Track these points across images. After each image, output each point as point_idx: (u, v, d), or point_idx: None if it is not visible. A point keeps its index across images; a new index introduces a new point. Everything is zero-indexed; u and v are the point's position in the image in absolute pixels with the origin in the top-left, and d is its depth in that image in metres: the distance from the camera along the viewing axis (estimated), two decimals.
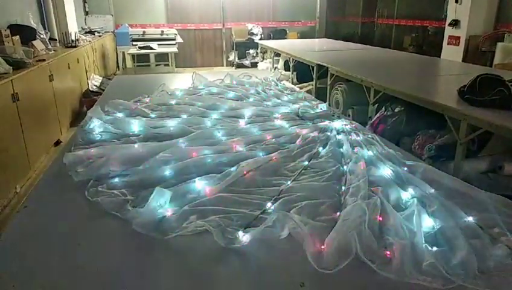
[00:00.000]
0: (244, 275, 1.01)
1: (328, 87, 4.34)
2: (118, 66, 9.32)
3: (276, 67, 6.47)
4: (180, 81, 3.27)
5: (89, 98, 5.70)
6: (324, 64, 4.39)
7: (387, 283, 0.97)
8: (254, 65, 9.22)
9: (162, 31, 9.28)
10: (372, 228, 1.13)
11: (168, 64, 8.23)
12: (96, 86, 6.42)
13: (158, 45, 8.31)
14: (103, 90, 4.94)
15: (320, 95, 4.34)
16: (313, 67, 4.69)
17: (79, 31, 7.17)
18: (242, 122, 2.10)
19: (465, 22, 5.78)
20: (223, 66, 10.59)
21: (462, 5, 5.77)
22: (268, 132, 1.93)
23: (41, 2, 5.98)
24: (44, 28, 5.71)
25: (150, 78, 4.24)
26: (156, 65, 8.75)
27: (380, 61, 4.85)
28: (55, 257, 1.07)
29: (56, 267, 1.03)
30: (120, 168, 1.52)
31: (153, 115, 2.19)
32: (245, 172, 1.47)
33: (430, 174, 1.49)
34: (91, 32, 7.98)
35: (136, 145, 1.69)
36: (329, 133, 1.92)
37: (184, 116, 2.17)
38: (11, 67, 3.52)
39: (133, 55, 7.91)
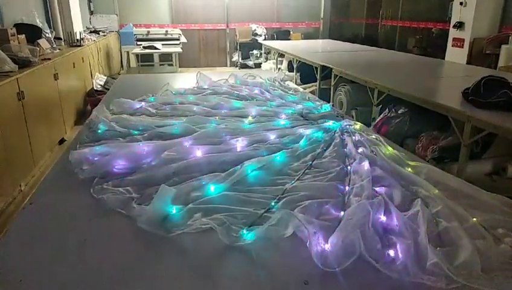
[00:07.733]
0: (248, 273, 1.02)
1: (332, 88, 4.34)
2: (122, 66, 9.36)
3: (279, 68, 6.48)
4: (184, 81, 3.28)
5: (93, 97, 5.74)
6: (328, 65, 4.39)
7: (390, 282, 0.97)
8: (258, 66, 9.24)
9: (166, 31, 9.31)
10: (376, 227, 1.13)
11: (172, 64, 8.26)
12: (100, 85, 6.46)
13: (162, 44, 8.34)
14: (107, 89, 4.97)
15: (324, 96, 4.34)
16: (316, 68, 4.69)
17: (84, 31, 7.21)
18: (246, 122, 2.11)
19: (469, 24, 5.77)
20: (226, 66, 10.62)
21: (466, 7, 5.76)
22: (272, 132, 1.94)
23: (47, 1, 6.02)
24: (50, 27, 5.75)
25: (154, 77, 4.26)
26: (160, 65, 8.79)
27: (384, 63, 4.85)
28: (61, 253, 1.08)
29: (61, 263, 1.04)
30: (125, 166, 1.54)
31: (157, 114, 2.21)
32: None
33: (434, 175, 1.49)
34: (96, 31, 8.03)
35: (140, 144, 1.70)
36: (333, 134, 1.92)
37: (188, 115, 2.18)
38: (17, 66, 3.55)
39: (137, 55, 7.94)
